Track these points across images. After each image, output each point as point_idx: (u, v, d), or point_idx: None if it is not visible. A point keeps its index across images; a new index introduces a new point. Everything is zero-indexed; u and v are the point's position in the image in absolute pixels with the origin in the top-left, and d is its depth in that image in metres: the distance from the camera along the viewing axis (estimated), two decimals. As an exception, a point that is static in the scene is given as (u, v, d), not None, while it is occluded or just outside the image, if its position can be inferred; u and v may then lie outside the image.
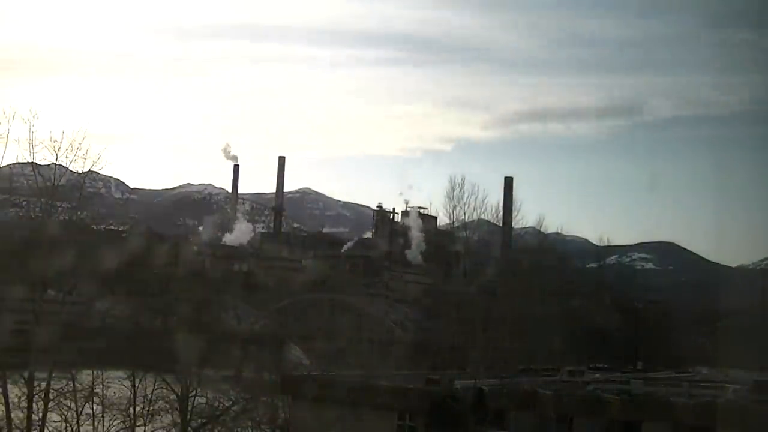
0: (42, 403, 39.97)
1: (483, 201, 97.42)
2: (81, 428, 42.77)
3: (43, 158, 40.30)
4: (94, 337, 57.35)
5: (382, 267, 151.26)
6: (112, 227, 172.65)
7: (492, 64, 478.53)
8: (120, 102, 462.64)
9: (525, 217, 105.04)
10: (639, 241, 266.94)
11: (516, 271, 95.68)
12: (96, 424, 43.63)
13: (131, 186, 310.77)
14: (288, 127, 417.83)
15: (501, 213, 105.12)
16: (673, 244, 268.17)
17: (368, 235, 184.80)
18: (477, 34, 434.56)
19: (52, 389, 40.22)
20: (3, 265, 47.11)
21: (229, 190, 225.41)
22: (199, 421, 44.87)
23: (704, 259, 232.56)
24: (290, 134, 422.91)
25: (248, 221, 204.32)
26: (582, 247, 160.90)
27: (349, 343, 69.78)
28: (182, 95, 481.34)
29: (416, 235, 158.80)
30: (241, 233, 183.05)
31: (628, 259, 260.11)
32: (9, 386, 40.17)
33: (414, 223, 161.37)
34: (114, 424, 44.06)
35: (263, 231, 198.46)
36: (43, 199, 42.26)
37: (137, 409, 44.33)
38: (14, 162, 42.64)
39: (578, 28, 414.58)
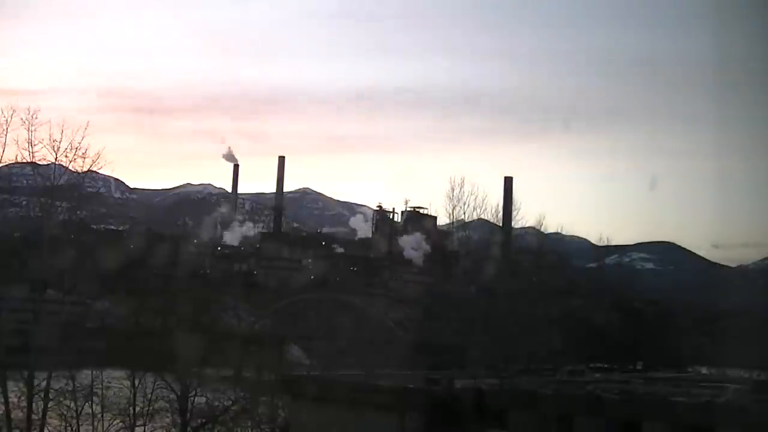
0: (42, 403, 39.96)
1: (483, 201, 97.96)
2: (81, 428, 42.74)
3: (43, 158, 40.28)
4: (94, 337, 57.38)
5: (382, 267, 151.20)
6: (112, 227, 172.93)
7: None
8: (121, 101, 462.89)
9: (525, 217, 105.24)
10: (639, 241, 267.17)
11: (516, 271, 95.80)
12: (96, 424, 43.60)
13: (131, 186, 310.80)
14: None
15: (501, 213, 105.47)
16: (673, 244, 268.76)
17: (359, 233, 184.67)
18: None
19: (52, 389, 40.18)
20: (3, 265, 47.14)
21: (229, 190, 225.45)
22: (199, 421, 44.82)
23: (704, 259, 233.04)
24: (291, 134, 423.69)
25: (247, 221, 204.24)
26: (582, 247, 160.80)
27: (349, 343, 69.81)
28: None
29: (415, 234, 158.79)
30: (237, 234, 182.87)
31: (628, 259, 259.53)
32: (9, 386, 40.15)
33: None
34: (114, 424, 44.04)
35: (263, 231, 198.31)
36: (42, 199, 42.24)
37: (137, 409, 44.28)
38: (14, 162, 42.60)
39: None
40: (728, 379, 51.12)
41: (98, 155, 40.88)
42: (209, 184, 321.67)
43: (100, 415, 43.76)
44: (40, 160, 40.50)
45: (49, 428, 41.27)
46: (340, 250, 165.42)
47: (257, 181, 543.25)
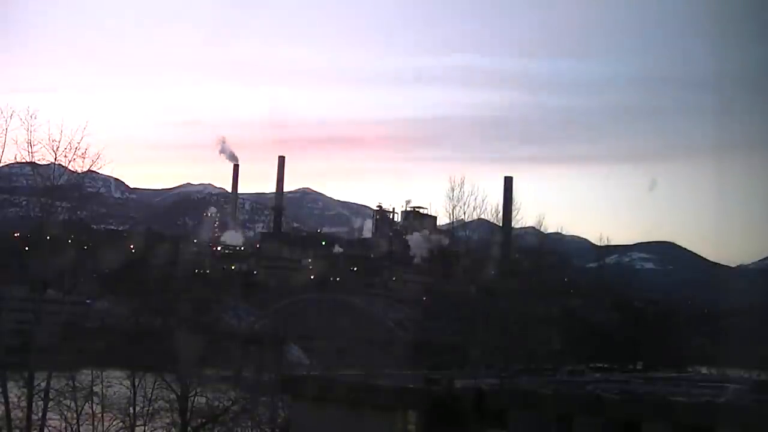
0: (42, 403, 39.95)
1: (483, 201, 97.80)
2: (81, 428, 42.79)
3: (42, 158, 40.23)
4: (94, 337, 57.40)
5: (382, 267, 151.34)
6: (112, 227, 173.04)
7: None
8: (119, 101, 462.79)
9: (525, 217, 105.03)
10: (639, 241, 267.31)
11: (516, 271, 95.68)
12: (96, 423, 43.64)
13: (131, 186, 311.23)
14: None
15: (501, 213, 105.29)
16: (673, 244, 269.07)
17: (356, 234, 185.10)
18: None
19: (52, 389, 40.19)
20: (3, 265, 47.15)
21: (229, 190, 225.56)
22: (199, 421, 44.85)
23: (704, 259, 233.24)
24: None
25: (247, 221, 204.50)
26: (582, 247, 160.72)
27: (349, 343, 69.79)
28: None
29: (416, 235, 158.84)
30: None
31: (628, 259, 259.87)
32: (9, 386, 40.15)
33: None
34: (114, 423, 44.08)
35: (263, 231, 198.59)
36: (42, 199, 42.19)
37: (137, 408, 44.32)
38: (13, 162, 42.58)
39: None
40: (728, 379, 51.06)
41: (98, 155, 40.88)
42: (209, 184, 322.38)
43: (100, 415, 43.80)
44: (39, 160, 40.47)
45: (49, 428, 41.27)
46: (340, 250, 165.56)
47: (257, 181, 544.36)
